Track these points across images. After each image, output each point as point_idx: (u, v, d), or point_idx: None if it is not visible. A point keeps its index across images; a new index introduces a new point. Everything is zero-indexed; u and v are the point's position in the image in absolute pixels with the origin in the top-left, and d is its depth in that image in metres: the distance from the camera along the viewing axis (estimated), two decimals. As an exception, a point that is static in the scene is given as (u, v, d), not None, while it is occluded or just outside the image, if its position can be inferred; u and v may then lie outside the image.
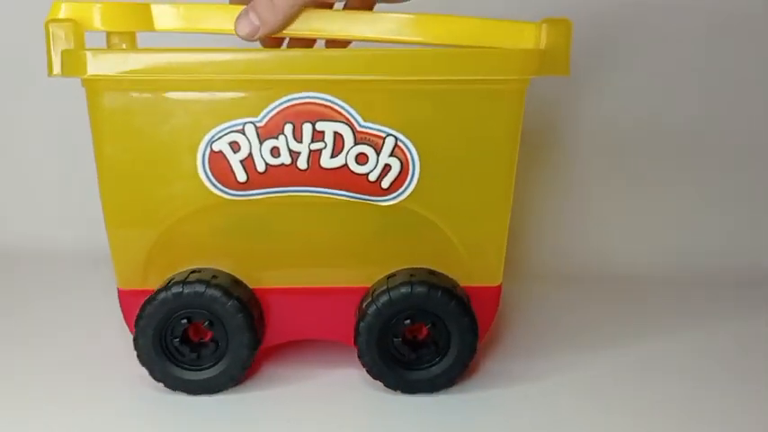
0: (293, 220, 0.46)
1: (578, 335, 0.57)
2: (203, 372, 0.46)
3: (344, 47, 0.53)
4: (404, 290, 0.45)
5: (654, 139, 0.77)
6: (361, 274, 0.47)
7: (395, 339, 0.46)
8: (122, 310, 0.48)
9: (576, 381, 0.49)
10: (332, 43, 0.53)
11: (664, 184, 0.77)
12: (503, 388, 0.48)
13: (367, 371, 0.47)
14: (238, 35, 0.47)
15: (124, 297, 0.48)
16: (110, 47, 0.56)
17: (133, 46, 0.57)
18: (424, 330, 0.47)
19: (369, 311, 0.46)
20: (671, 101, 0.76)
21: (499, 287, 0.49)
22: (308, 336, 0.49)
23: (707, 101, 0.76)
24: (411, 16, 0.48)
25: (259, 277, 0.47)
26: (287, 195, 0.45)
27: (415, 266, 0.47)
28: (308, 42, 0.52)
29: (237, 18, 0.47)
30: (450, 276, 0.47)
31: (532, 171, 0.76)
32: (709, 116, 0.77)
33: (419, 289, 0.45)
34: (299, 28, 0.48)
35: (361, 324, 0.46)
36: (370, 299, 0.46)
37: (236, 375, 0.46)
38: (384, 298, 0.45)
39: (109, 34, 0.56)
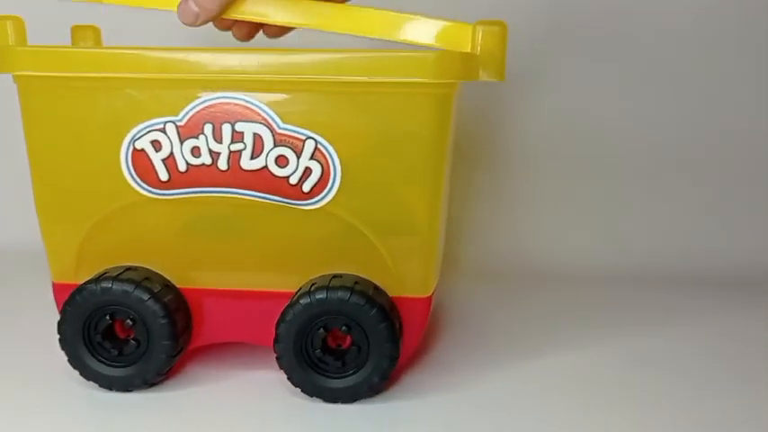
0: (216, 221, 0.46)
1: (510, 341, 0.56)
2: (122, 369, 0.46)
3: (284, 32, 0.52)
4: (320, 295, 0.44)
5: (592, 139, 0.77)
6: (287, 278, 0.47)
7: (314, 346, 0.45)
8: (56, 303, 0.49)
9: (505, 391, 0.47)
10: (271, 28, 0.52)
11: (601, 184, 0.77)
12: (423, 398, 0.46)
13: (287, 377, 0.46)
14: (182, 22, 0.47)
15: (58, 290, 0.48)
16: (74, 44, 0.57)
17: (98, 44, 0.58)
18: (348, 339, 0.46)
19: (285, 317, 0.45)
20: (609, 102, 0.76)
21: (429, 298, 0.47)
22: (236, 339, 0.48)
23: (641, 102, 0.77)
24: (347, 8, 0.47)
25: (186, 277, 0.47)
26: (209, 196, 0.45)
27: (340, 273, 0.46)
28: (252, 27, 0.52)
29: (179, 6, 0.47)
30: (378, 285, 0.46)
31: (477, 172, 0.75)
32: (639, 115, 0.77)
33: (334, 295, 0.44)
34: (244, 11, 0.48)
35: (279, 329, 0.45)
36: (288, 304, 0.45)
37: (151, 378, 0.46)
38: (301, 303, 0.44)
39: (74, 33, 0.57)
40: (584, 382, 0.49)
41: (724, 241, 0.76)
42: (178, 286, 0.47)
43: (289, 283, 0.47)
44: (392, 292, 0.46)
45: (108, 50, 0.44)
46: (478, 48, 0.45)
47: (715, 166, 0.77)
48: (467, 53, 0.44)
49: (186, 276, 0.47)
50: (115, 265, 0.47)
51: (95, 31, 0.58)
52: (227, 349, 0.51)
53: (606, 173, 0.77)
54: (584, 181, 0.77)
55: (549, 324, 0.59)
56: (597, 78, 0.76)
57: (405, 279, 0.46)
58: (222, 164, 0.45)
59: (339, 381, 0.45)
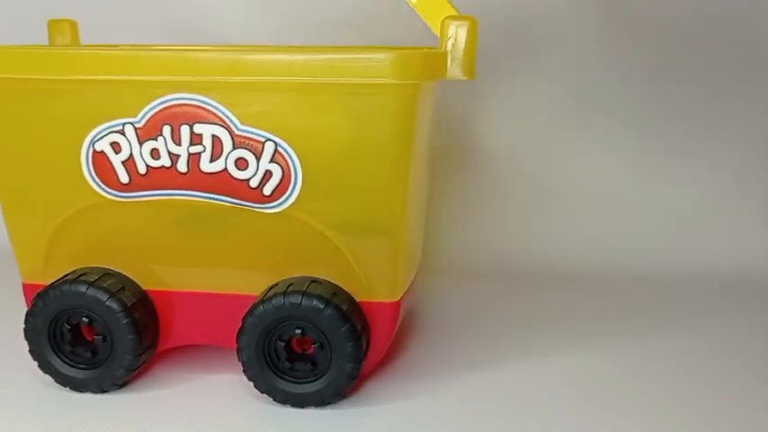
0: (178, 223, 0.45)
1: (484, 348, 0.54)
2: (88, 371, 0.46)
3: None
4: (275, 301, 0.43)
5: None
6: (252, 281, 0.46)
7: (276, 350, 0.44)
8: (27, 303, 0.48)
9: (469, 400, 0.46)
10: None
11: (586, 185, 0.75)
12: (383, 406, 0.45)
13: (254, 385, 0.45)
14: None
15: (28, 291, 0.48)
16: (51, 38, 0.57)
17: (75, 38, 0.57)
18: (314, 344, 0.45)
19: (246, 321, 0.44)
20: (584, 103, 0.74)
21: (396, 303, 0.46)
22: (204, 341, 0.48)
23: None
24: None
25: (152, 279, 0.47)
26: (170, 199, 0.44)
27: (305, 276, 0.45)
28: None
29: None
30: (344, 288, 0.45)
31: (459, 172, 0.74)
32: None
33: (292, 299, 0.43)
34: None
35: (241, 334, 0.44)
36: (248, 310, 0.44)
37: (118, 378, 0.46)
38: (261, 307, 0.44)
39: (50, 27, 0.57)
40: (553, 394, 0.47)
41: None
42: (144, 288, 0.47)
43: (254, 287, 0.46)
44: (359, 296, 0.45)
45: (64, 51, 0.43)
46: (447, 44, 0.43)
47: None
48: (430, 52, 0.42)
49: (152, 278, 0.46)
50: (82, 267, 0.47)
51: (72, 24, 0.57)
52: (196, 351, 0.51)
53: (592, 173, 0.75)
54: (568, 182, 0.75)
55: (526, 330, 0.57)
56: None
57: (372, 283, 0.45)
58: (182, 166, 0.44)
59: (299, 386, 0.44)
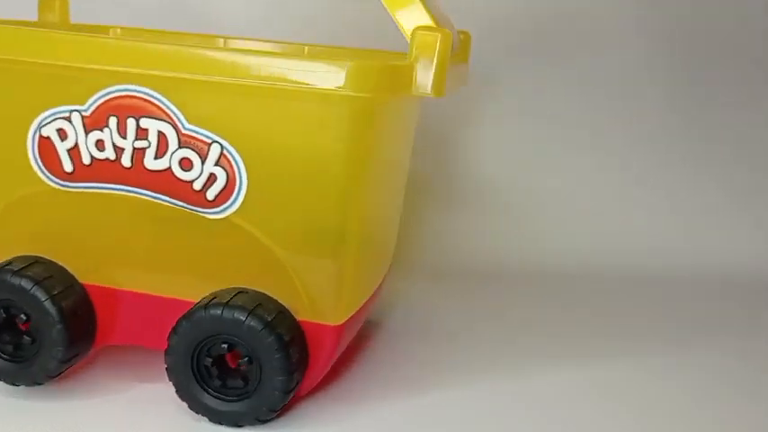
0: (120, 219, 0.43)
1: (437, 367, 0.51)
2: (18, 363, 0.44)
3: None
4: (197, 315, 0.41)
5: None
6: (191, 287, 0.43)
7: (205, 363, 0.42)
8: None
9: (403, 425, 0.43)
10: None
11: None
12: (313, 429, 0.43)
13: (176, 392, 0.43)
14: None
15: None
16: (40, 15, 0.56)
17: (65, 16, 0.56)
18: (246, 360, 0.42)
19: (175, 331, 0.42)
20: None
21: (339, 327, 0.43)
22: (143, 344, 0.46)
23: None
24: None
25: (91, 274, 0.45)
26: (112, 193, 0.42)
27: (245, 288, 0.43)
28: None
29: None
30: (283, 305, 0.42)
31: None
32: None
33: (215, 312, 0.41)
34: None
35: (170, 344, 0.42)
36: (178, 320, 0.42)
37: (53, 371, 0.44)
38: (193, 317, 0.41)
39: (40, 4, 0.56)
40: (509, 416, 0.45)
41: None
42: (81, 281, 0.45)
43: (192, 293, 0.43)
44: (300, 315, 0.43)
45: (12, 30, 0.41)
46: (415, 58, 0.40)
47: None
48: (390, 64, 0.39)
49: (89, 272, 0.44)
50: (21, 255, 0.45)
51: (62, 2, 0.56)
52: (137, 358, 0.49)
53: (574, 173, 0.74)
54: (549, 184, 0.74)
55: (491, 344, 0.55)
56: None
57: (314, 303, 0.42)
58: (126, 161, 0.42)
59: (226, 403, 0.42)
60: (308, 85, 0.38)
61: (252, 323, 0.40)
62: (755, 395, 0.49)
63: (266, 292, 0.42)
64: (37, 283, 0.43)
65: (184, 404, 0.43)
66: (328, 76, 0.38)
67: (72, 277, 0.44)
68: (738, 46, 0.75)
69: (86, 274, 0.45)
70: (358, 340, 0.53)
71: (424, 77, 0.40)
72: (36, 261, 0.44)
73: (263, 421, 0.42)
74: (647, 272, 0.71)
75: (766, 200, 0.76)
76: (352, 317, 0.45)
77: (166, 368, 0.42)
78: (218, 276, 0.43)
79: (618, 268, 0.71)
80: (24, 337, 0.44)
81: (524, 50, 0.74)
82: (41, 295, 0.43)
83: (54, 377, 0.44)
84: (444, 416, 0.45)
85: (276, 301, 0.42)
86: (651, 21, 0.75)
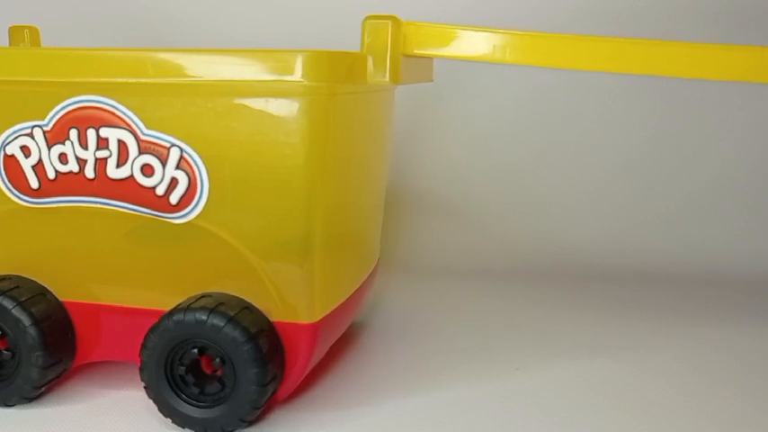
0: (88, 232, 0.43)
1: (420, 370, 0.50)
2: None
3: None
4: (166, 322, 0.41)
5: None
6: (166, 296, 0.43)
7: (178, 370, 0.41)
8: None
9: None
10: None
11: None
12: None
13: (152, 400, 0.42)
14: None
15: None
16: (12, 45, 0.56)
17: (36, 43, 0.57)
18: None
19: (145, 345, 0.41)
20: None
21: (314, 326, 0.42)
22: (119, 358, 0.45)
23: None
24: None
25: (67, 290, 0.44)
26: (79, 206, 0.42)
27: (217, 292, 0.42)
28: None
29: None
30: (255, 306, 0.42)
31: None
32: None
33: (178, 317, 0.40)
34: None
35: (142, 360, 0.42)
36: (150, 328, 0.41)
37: (26, 393, 0.44)
38: (159, 328, 0.41)
39: (11, 33, 0.56)
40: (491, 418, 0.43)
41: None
42: (60, 299, 0.45)
43: (168, 301, 0.43)
44: (273, 315, 0.42)
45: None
46: (368, 46, 0.40)
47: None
48: (341, 52, 0.39)
49: (65, 288, 0.44)
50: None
51: (33, 31, 0.56)
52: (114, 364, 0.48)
53: (550, 175, 0.73)
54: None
55: (473, 349, 0.54)
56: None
57: (286, 302, 0.42)
58: (89, 172, 0.42)
59: (200, 410, 0.41)
60: (260, 78, 0.38)
61: (214, 321, 0.40)
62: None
63: (237, 295, 0.42)
64: (19, 304, 0.43)
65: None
66: (281, 67, 0.38)
67: (50, 294, 0.44)
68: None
69: (64, 290, 0.44)
70: (342, 342, 0.53)
71: (378, 65, 0.40)
72: (11, 278, 0.44)
73: (247, 422, 0.41)
74: (625, 269, 0.70)
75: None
76: (329, 315, 0.44)
77: (144, 387, 0.42)
78: (190, 282, 0.43)
79: (595, 267, 0.71)
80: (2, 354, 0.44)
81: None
82: (26, 320, 0.43)
83: (39, 389, 0.44)
84: (430, 418, 0.44)
85: (241, 298, 0.41)
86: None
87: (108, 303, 0.44)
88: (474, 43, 0.42)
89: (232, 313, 0.40)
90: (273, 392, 0.42)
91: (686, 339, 0.56)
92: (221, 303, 0.40)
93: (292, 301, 0.42)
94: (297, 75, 0.38)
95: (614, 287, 0.67)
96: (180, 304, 0.41)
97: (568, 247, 0.73)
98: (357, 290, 0.49)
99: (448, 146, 0.74)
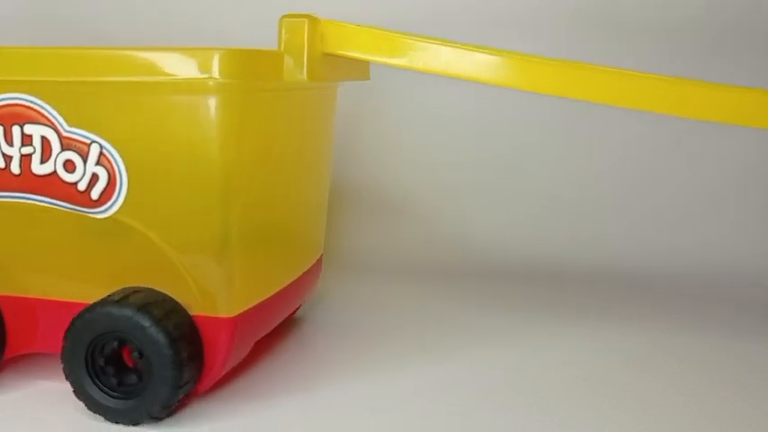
0: (16, 227, 0.44)
1: (353, 359, 0.51)
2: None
3: None
4: (96, 310, 0.41)
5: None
6: (90, 289, 0.44)
7: (99, 361, 0.42)
8: None
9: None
10: None
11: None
12: (206, 427, 0.42)
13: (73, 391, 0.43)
14: None
15: None
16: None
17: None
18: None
19: (67, 333, 0.42)
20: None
21: (233, 319, 0.43)
22: (49, 350, 0.46)
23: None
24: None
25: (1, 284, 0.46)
26: (6, 201, 0.43)
27: (141, 287, 0.43)
28: None
29: None
30: (177, 301, 0.43)
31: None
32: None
33: (102, 310, 0.41)
34: None
35: (64, 346, 0.42)
36: (72, 320, 0.42)
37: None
38: (81, 319, 0.42)
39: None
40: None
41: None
42: (-6, 293, 0.46)
43: (96, 294, 0.44)
44: (194, 309, 0.43)
45: None
46: (284, 44, 0.41)
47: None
48: (259, 50, 0.40)
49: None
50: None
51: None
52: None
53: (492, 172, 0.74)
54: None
55: (408, 340, 0.54)
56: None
57: (206, 296, 0.42)
58: (15, 168, 0.43)
59: (114, 400, 0.42)
60: (177, 76, 0.39)
61: (136, 318, 0.40)
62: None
63: (160, 288, 0.43)
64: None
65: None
66: (197, 64, 0.39)
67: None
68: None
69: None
70: (275, 336, 0.54)
71: (295, 63, 0.41)
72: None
73: (157, 418, 0.42)
74: (565, 267, 0.71)
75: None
76: (251, 310, 0.44)
77: (63, 369, 0.43)
78: (115, 276, 0.43)
79: (533, 264, 0.71)
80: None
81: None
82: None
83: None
84: (344, 410, 0.44)
85: (163, 293, 0.42)
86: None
87: (38, 297, 0.45)
88: (391, 47, 0.43)
89: (157, 313, 0.41)
90: (189, 391, 0.43)
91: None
92: (134, 292, 0.42)
93: (211, 296, 0.42)
94: (213, 72, 0.39)
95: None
96: (104, 298, 0.42)
97: (515, 243, 0.73)
98: (290, 285, 0.50)
99: (393, 143, 0.75)
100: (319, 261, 0.57)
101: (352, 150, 0.73)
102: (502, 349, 0.53)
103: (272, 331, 0.53)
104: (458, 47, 0.43)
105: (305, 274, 0.53)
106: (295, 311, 0.56)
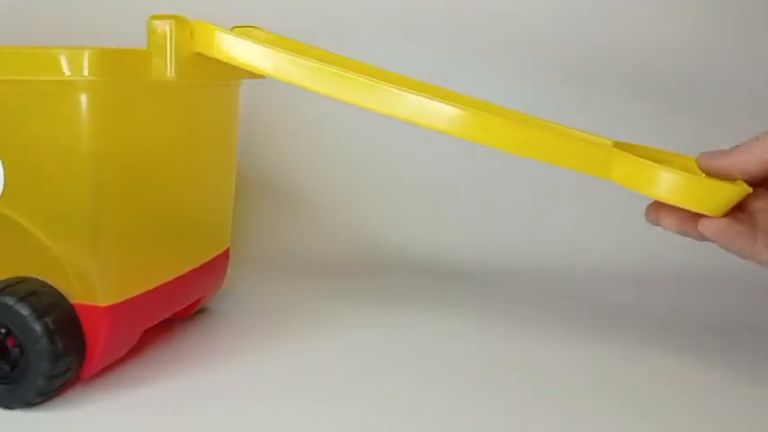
0: None
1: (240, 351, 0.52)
2: None
3: None
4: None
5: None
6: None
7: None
8: None
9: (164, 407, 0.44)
10: None
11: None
12: (81, 411, 0.43)
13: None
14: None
15: None
16: None
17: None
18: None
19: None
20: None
21: (112, 308, 0.44)
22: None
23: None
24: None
25: None
26: None
27: (26, 276, 0.45)
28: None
29: None
30: (60, 291, 0.44)
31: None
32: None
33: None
34: None
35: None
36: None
37: None
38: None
39: None
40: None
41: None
42: None
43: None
44: (75, 298, 0.44)
45: None
46: (152, 44, 0.43)
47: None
48: (127, 49, 0.42)
49: None
50: None
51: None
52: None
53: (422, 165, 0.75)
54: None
55: (300, 335, 0.56)
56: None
57: (85, 285, 0.44)
58: None
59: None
60: (50, 74, 0.41)
61: (4, 299, 0.42)
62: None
63: (40, 277, 0.44)
64: None
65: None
66: (69, 64, 0.40)
67: None
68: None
69: None
70: (168, 327, 0.56)
71: (163, 62, 0.43)
72: None
73: (32, 404, 0.44)
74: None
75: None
76: (133, 299, 0.46)
77: None
78: (2, 266, 0.45)
79: (460, 263, 0.73)
80: None
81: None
82: None
83: None
84: (227, 396, 0.46)
85: (45, 282, 0.44)
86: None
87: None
88: (253, 56, 0.44)
89: (36, 303, 0.42)
90: (69, 379, 0.44)
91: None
92: (31, 293, 0.43)
93: (89, 285, 0.44)
94: (83, 71, 0.40)
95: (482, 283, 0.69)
96: None
97: (435, 242, 0.75)
98: (181, 276, 0.51)
99: (299, 138, 0.76)
100: (224, 254, 0.58)
101: (260, 146, 0.75)
102: (377, 339, 0.55)
103: (170, 321, 0.55)
104: (318, 62, 0.44)
105: (203, 266, 0.54)
106: (198, 302, 0.57)
